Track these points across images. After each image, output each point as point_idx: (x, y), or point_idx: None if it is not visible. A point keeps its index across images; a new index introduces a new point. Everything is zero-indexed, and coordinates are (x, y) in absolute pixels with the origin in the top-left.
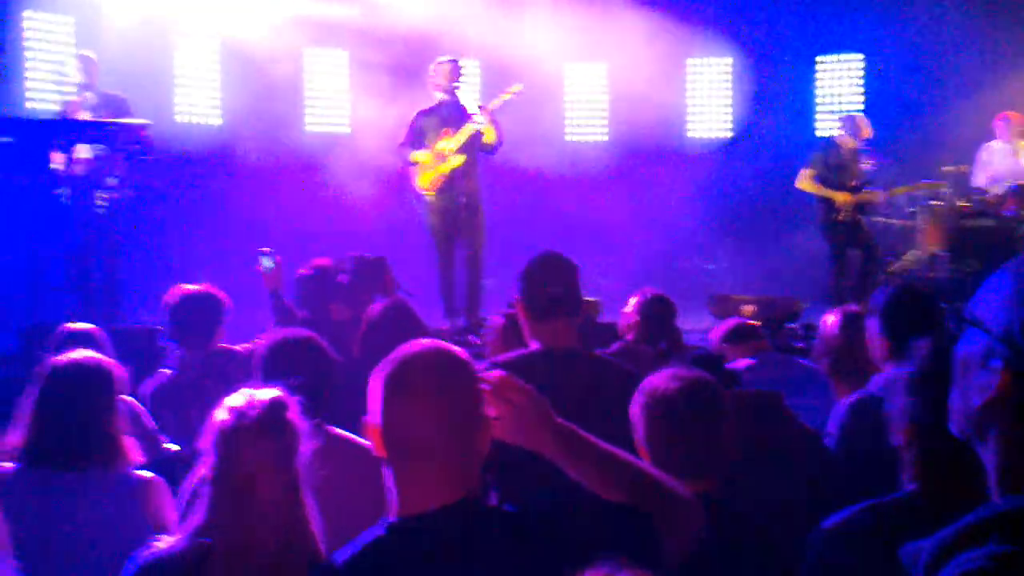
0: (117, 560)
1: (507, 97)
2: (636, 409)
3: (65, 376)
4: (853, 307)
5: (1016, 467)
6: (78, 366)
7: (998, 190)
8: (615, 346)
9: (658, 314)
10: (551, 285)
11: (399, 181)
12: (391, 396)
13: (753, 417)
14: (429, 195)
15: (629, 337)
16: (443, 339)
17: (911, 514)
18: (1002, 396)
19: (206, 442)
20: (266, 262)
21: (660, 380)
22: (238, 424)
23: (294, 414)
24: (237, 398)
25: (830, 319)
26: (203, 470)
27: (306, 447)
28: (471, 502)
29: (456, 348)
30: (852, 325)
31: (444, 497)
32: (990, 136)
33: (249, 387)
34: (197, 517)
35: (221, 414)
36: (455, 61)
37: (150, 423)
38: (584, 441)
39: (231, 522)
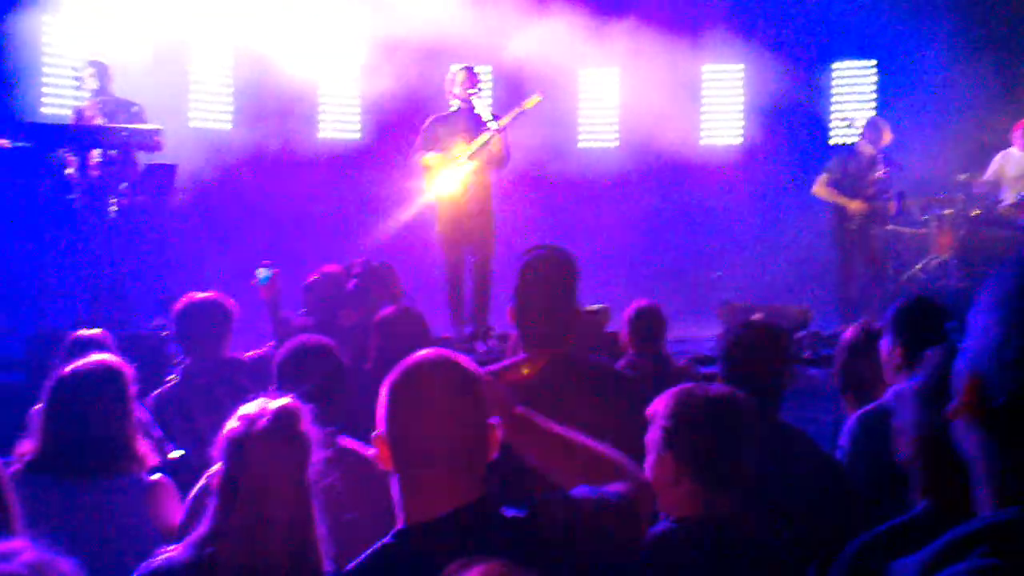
0: (128, 563)
1: (528, 107)
2: (665, 418)
3: (78, 381)
4: (872, 322)
5: (998, 480)
6: (90, 371)
7: (1012, 198)
8: (621, 362)
9: (646, 326)
10: (541, 323)
11: (409, 186)
12: (399, 404)
13: (779, 448)
14: (440, 200)
15: (629, 350)
16: (450, 347)
17: (927, 532)
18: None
19: (217, 450)
20: (262, 273)
21: (694, 392)
22: (249, 433)
23: (306, 423)
24: (250, 407)
25: (848, 333)
26: (211, 478)
27: (317, 457)
28: (478, 508)
29: (462, 356)
30: (870, 340)
31: (451, 504)
32: (1005, 144)
33: (262, 395)
34: (203, 526)
35: (233, 422)
36: (470, 68)
37: (155, 429)
38: (540, 427)
39: (240, 532)
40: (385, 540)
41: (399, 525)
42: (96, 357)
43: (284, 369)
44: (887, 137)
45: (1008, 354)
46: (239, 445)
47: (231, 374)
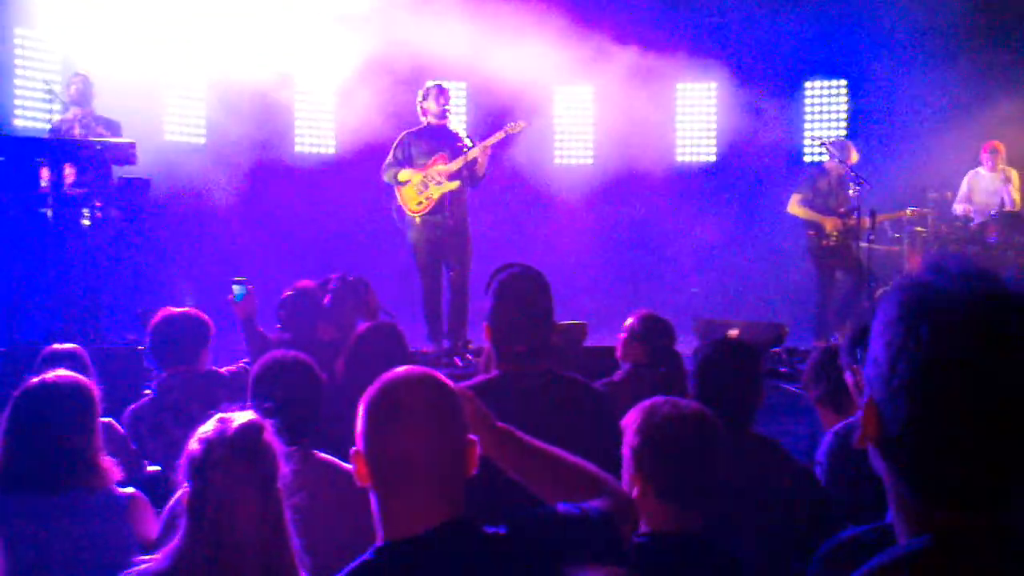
0: None
1: (512, 131)
2: (632, 432)
3: (39, 397)
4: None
5: (906, 507)
6: (52, 386)
7: (980, 217)
8: (619, 374)
9: (658, 336)
10: (519, 342)
11: (384, 201)
12: (377, 420)
13: (753, 460)
14: (416, 217)
15: (625, 362)
16: (428, 362)
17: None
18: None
19: (182, 470)
20: (237, 290)
21: (659, 409)
22: (210, 451)
23: (269, 437)
24: (209, 424)
25: (822, 347)
26: (182, 496)
27: (284, 469)
28: (458, 525)
29: (439, 374)
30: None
31: (431, 520)
32: (974, 163)
33: (221, 412)
34: (175, 542)
35: (193, 442)
36: (440, 87)
37: (131, 444)
38: (521, 442)
39: (208, 548)
40: (365, 557)
41: (378, 542)
42: (59, 372)
43: (259, 384)
44: (853, 156)
45: (895, 381)
46: (200, 466)
47: (207, 389)
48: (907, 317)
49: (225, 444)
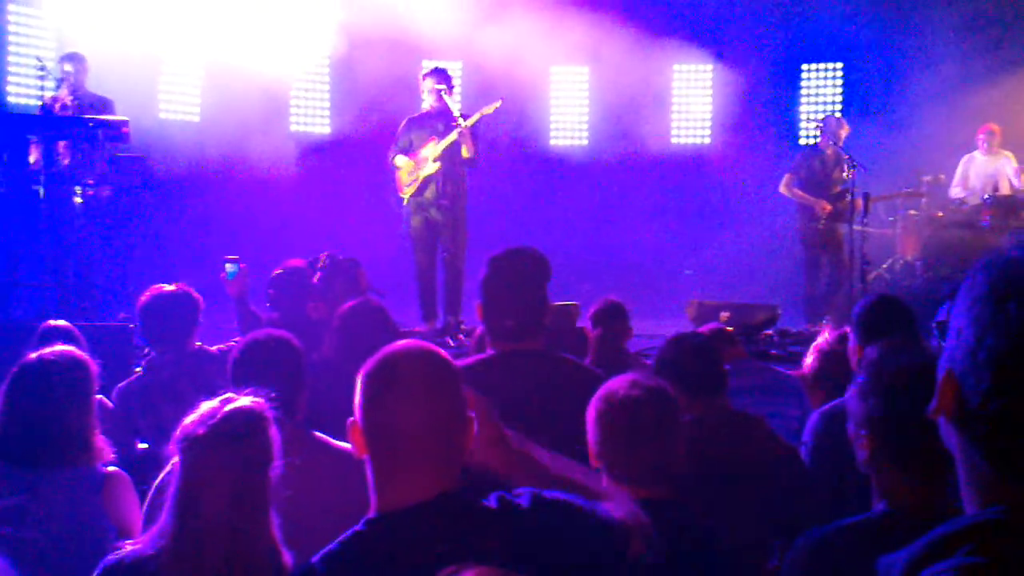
0: (81, 556)
1: (487, 112)
2: (592, 413)
3: (38, 370)
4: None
5: (979, 480)
6: (52, 360)
7: (975, 201)
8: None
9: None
10: (508, 317)
11: (379, 179)
12: (377, 391)
13: (735, 436)
14: (405, 200)
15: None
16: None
17: (884, 533)
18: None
19: (171, 447)
20: (230, 268)
21: (617, 387)
22: (202, 433)
23: (267, 424)
24: (205, 407)
25: (822, 338)
26: (168, 474)
27: (276, 458)
28: (452, 497)
29: (440, 349)
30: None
31: (425, 493)
32: (970, 146)
33: (225, 393)
34: (161, 521)
35: (190, 419)
36: (437, 69)
37: (121, 421)
38: (535, 462)
39: (181, 530)
40: (356, 528)
41: (370, 513)
42: (60, 348)
43: (240, 364)
44: (843, 133)
45: (981, 355)
46: (191, 444)
47: (196, 367)
48: (996, 292)
49: (217, 424)
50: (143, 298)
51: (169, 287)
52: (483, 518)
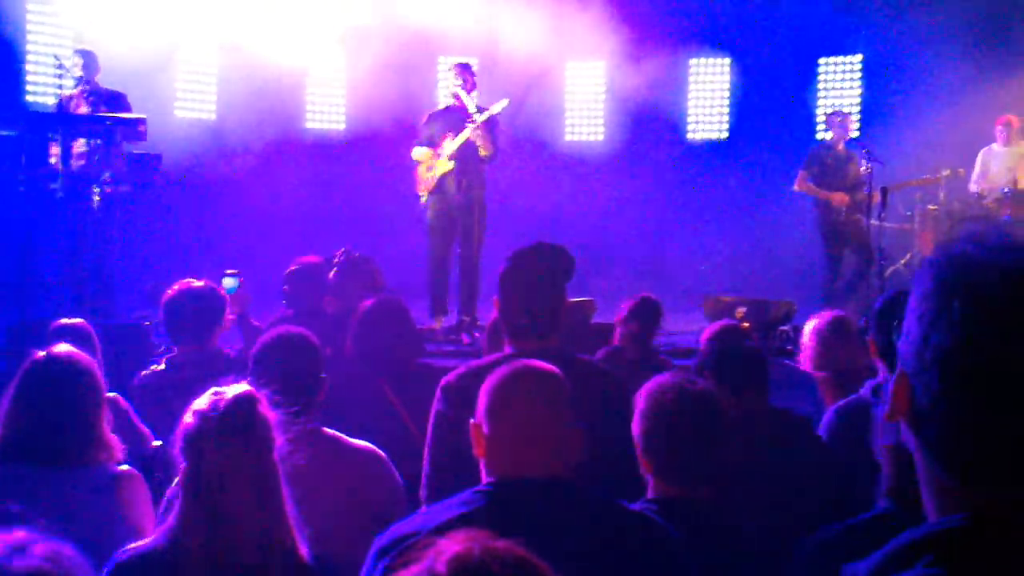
0: (92, 555)
1: (495, 111)
2: (638, 411)
3: (40, 371)
4: (836, 312)
5: (936, 484)
6: (52, 360)
7: (995, 195)
8: (601, 352)
9: (648, 318)
10: (524, 314)
11: (394, 177)
12: (505, 400)
13: (778, 436)
14: (422, 196)
15: (617, 341)
16: (435, 339)
17: (885, 533)
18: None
19: (176, 446)
20: (229, 283)
21: (666, 385)
22: (202, 426)
23: (263, 408)
24: (203, 398)
25: (810, 324)
26: (180, 471)
27: (279, 439)
28: (561, 481)
29: (551, 366)
30: (835, 330)
31: (540, 472)
32: (989, 139)
33: (215, 387)
34: (172, 517)
35: (187, 416)
36: (459, 64)
37: (136, 419)
38: None
39: (203, 524)
40: (479, 487)
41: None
42: (60, 348)
43: (260, 360)
44: (850, 125)
45: (927, 354)
46: (194, 440)
47: (216, 369)
48: (941, 289)
49: (218, 417)
50: (169, 293)
51: (196, 283)
52: (590, 504)
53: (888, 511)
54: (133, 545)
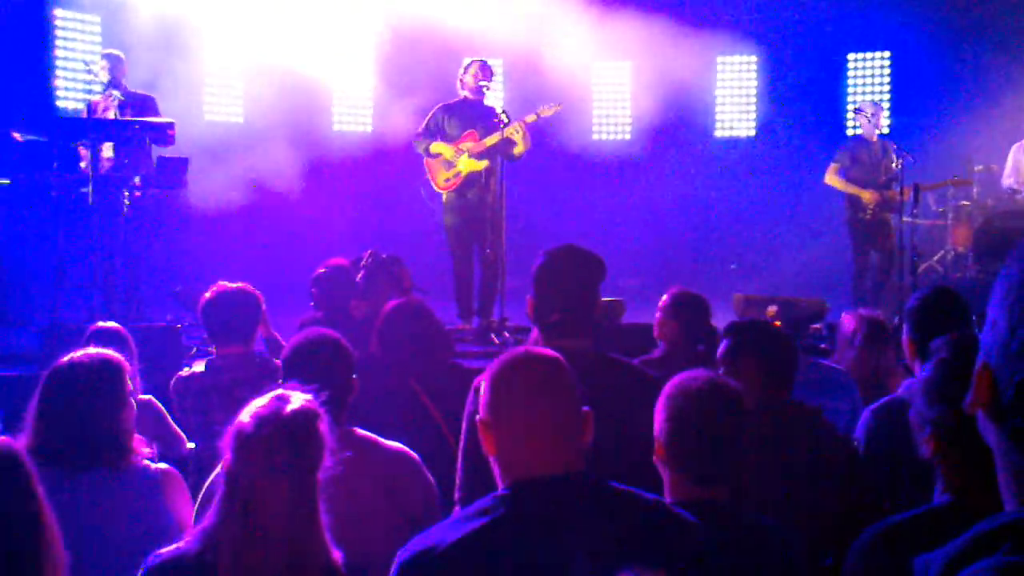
0: (137, 552)
1: (546, 114)
2: (659, 409)
3: (68, 375)
4: (868, 311)
5: (1018, 475)
6: (80, 364)
7: None
8: (657, 352)
9: (693, 315)
10: (555, 311)
11: (419, 176)
12: (508, 392)
13: (792, 428)
14: (443, 193)
15: (662, 340)
16: (463, 340)
17: (948, 526)
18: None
19: (225, 444)
20: None
21: (686, 383)
22: (259, 431)
23: (322, 427)
24: (263, 401)
25: (845, 322)
26: (219, 472)
27: (328, 459)
28: (578, 475)
29: (554, 353)
30: (873, 330)
31: (554, 469)
32: (1021, 134)
33: (281, 390)
34: (208, 520)
35: (243, 418)
36: (483, 62)
37: (170, 422)
38: None
39: (238, 529)
40: (497, 493)
41: (503, 486)
42: (89, 351)
43: (291, 364)
44: (881, 118)
45: (1014, 346)
46: (245, 442)
47: (256, 374)
48: None
49: (278, 425)
50: (206, 295)
51: (232, 285)
52: (608, 495)
53: (950, 503)
54: (164, 550)
